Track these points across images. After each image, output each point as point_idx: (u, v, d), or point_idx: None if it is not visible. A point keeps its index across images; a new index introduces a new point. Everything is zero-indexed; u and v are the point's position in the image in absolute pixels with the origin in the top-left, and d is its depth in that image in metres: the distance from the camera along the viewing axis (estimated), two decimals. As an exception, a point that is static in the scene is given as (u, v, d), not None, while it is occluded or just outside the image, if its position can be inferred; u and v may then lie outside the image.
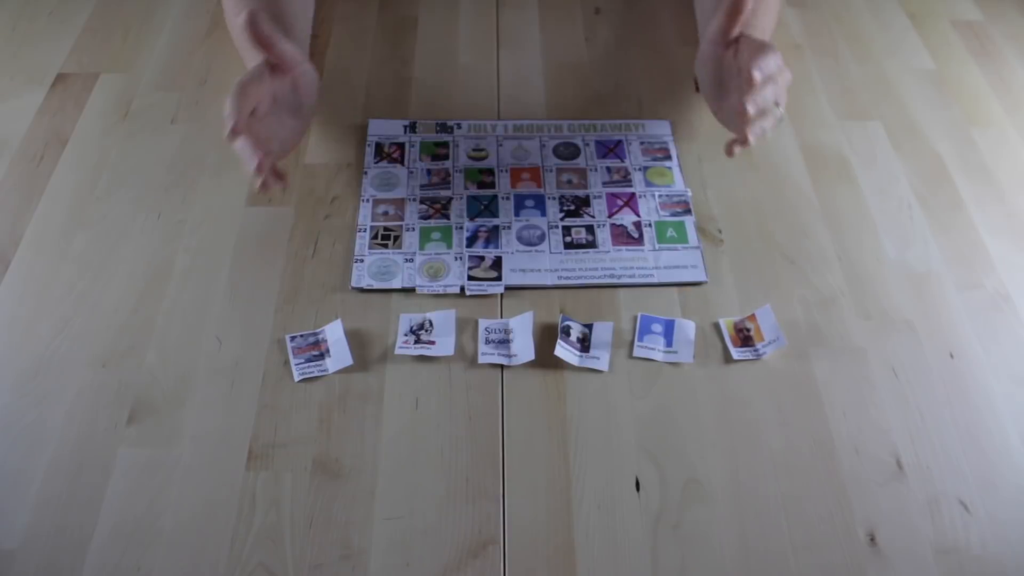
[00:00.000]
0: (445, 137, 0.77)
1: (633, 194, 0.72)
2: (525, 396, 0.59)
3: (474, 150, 0.76)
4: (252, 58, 0.67)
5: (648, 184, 0.73)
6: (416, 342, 0.61)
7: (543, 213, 0.71)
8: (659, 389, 0.60)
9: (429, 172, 0.74)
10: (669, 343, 0.62)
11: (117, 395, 0.59)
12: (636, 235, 0.69)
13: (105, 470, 0.55)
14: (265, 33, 0.60)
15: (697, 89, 0.74)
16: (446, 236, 0.69)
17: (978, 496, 0.55)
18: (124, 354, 0.61)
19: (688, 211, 0.71)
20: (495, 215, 0.70)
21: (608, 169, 0.74)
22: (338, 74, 0.83)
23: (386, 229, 0.69)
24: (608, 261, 0.67)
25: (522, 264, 0.67)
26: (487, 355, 0.61)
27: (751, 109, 0.57)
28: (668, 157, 0.75)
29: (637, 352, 0.62)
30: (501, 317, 0.64)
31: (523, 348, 0.61)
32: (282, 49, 0.61)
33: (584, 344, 0.62)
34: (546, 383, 0.60)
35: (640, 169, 0.74)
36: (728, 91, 0.65)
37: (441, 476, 0.55)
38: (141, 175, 0.73)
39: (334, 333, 0.62)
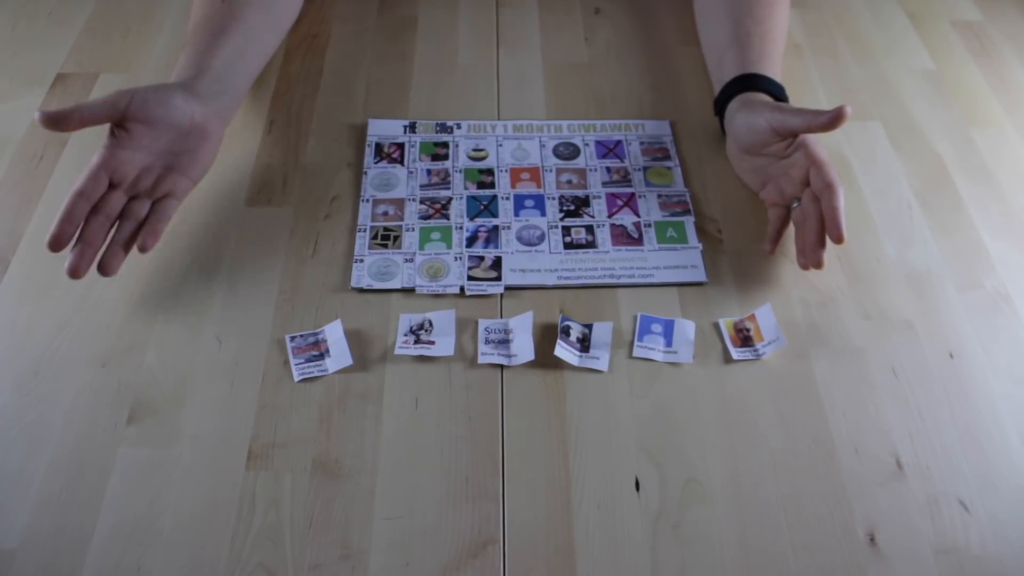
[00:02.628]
0: (445, 137, 0.77)
1: (633, 194, 0.72)
2: (525, 396, 0.59)
3: (474, 150, 0.76)
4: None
5: (648, 184, 0.73)
6: (416, 342, 0.61)
7: (543, 213, 0.71)
8: (659, 389, 0.60)
9: (429, 172, 0.74)
10: (669, 343, 0.62)
11: (117, 395, 0.59)
12: (636, 235, 0.69)
13: (105, 470, 0.55)
14: (64, 118, 0.58)
15: (723, 131, 0.75)
16: (446, 236, 0.69)
17: (978, 496, 0.55)
18: (124, 354, 0.61)
19: (688, 211, 0.71)
20: (495, 215, 0.70)
21: (608, 169, 0.74)
22: (338, 74, 0.83)
23: (386, 229, 0.69)
24: (608, 261, 0.67)
25: (522, 264, 0.67)
26: (487, 355, 0.61)
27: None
28: (668, 157, 0.75)
29: (637, 352, 0.62)
30: (501, 317, 0.64)
31: (523, 348, 0.61)
32: (89, 113, 0.59)
33: (584, 344, 0.62)
34: (546, 383, 0.60)
35: (640, 169, 0.74)
36: (758, 155, 0.69)
37: (441, 476, 0.55)
38: (141, 175, 0.73)
39: (334, 333, 0.62)
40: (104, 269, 0.60)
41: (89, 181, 0.59)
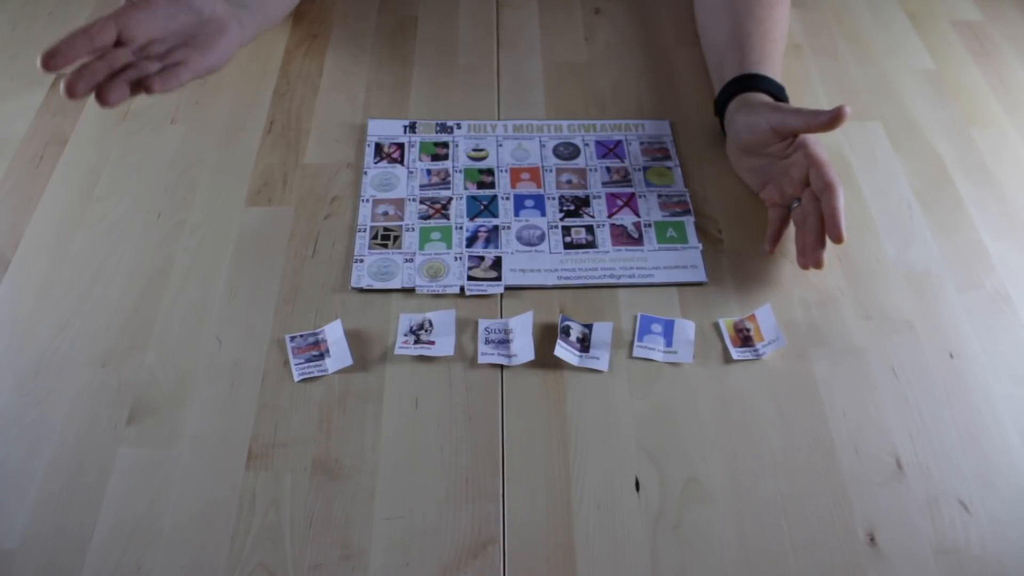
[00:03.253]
0: (445, 137, 0.77)
1: (633, 194, 0.72)
2: (525, 396, 0.59)
3: (474, 150, 0.76)
4: None
5: (648, 184, 0.73)
6: (416, 342, 0.61)
7: (543, 213, 0.71)
8: (659, 389, 0.60)
9: (429, 172, 0.74)
10: (669, 343, 0.62)
11: (117, 395, 0.59)
12: (636, 235, 0.69)
13: (105, 470, 0.55)
14: None
15: (723, 131, 0.74)
16: (446, 236, 0.69)
17: (978, 496, 0.55)
18: (124, 354, 0.61)
19: (688, 211, 0.71)
20: (495, 215, 0.70)
21: (608, 169, 0.74)
22: (338, 74, 0.83)
23: (386, 229, 0.69)
24: (608, 261, 0.67)
25: (522, 264, 0.67)
26: (487, 355, 0.61)
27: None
28: (668, 157, 0.75)
29: (637, 352, 0.62)
30: (501, 317, 0.64)
31: (523, 348, 0.61)
32: None
33: (584, 344, 0.62)
34: (546, 383, 0.60)
35: (640, 169, 0.74)
36: (758, 155, 0.69)
37: (441, 476, 0.55)
38: (141, 175, 0.73)
39: (334, 333, 0.62)
40: (103, 96, 0.53)
41: (96, 24, 0.54)
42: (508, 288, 0.65)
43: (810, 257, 0.63)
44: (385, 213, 0.70)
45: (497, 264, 0.67)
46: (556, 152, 0.76)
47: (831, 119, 0.62)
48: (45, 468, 0.55)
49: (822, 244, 0.63)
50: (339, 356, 0.60)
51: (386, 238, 0.68)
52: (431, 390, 0.59)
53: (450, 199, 0.72)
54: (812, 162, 0.64)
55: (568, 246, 0.68)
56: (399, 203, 0.71)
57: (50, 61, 0.52)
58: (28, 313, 0.63)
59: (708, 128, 0.78)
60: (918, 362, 0.62)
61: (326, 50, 0.86)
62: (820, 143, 0.66)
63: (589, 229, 0.69)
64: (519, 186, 0.73)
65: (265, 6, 0.71)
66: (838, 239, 0.61)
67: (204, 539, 0.52)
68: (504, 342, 0.62)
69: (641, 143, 0.77)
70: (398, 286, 0.65)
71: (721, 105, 0.73)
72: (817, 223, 0.63)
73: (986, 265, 0.68)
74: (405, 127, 0.78)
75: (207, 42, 0.60)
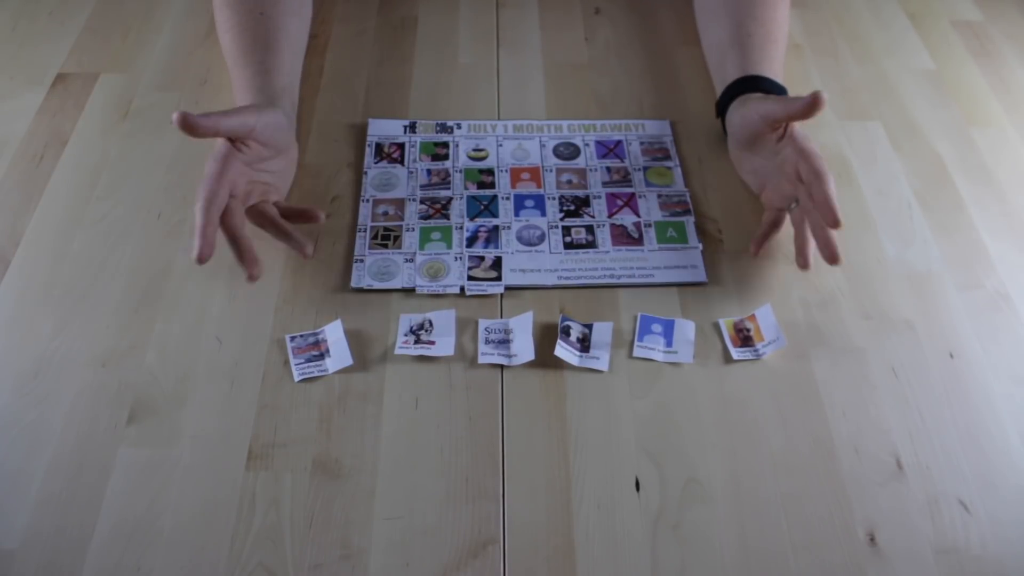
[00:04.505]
0: (445, 137, 0.77)
1: (633, 194, 0.72)
2: (525, 396, 0.59)
3: (474, 150, 0.76)
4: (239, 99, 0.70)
5: (648, 184, 0.73)
6: (416, 342, 0.61)
7: (543, 213, 0.71)
8: (659, 389, 0.60)
9: (429, 172, 0.74)
10: (669, 343, 0.62)
11: (117, 395, 0.59)
12: (636, 235, 0.69)
13: (105, 470, 0.55)
14: (200, 125, 0.58)
15: (724, 132, 0.74)
16: (446, 236, 0.69)
17: (978, 496, 0.55)
18: (124, 354, 0.61)
19: (688, 211, 0.71)
20: (495, 215, 0.70)
21: (608, 169, 0.74)
22: (338, 74, 0.83)
23: (386, 229, 0.69)
24: (608, 261, 0.67)
25: (522, 264, 0.67)
26: (487, 355, 0.61)
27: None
28: (668, 157, 0.75)
29: (637, 352, 0.62)
30: (501, 317, 0.64)
31: (523, 348, 0.61)
32: (225, 126, 0.60)
33: (584, 344, 0.62)
34: (546, 383, 0.60)
35: (640, 169, 0.74)
36: (756, 154, 0.69)
37: (441, 476, 0.55)
38: (141, 175, 0.73)
39: (334, 333, 0.62)
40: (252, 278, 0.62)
41: (213, 181, 0.60)
42: (508, 288, 0.65)
43: (825, 251, 0.62)
44: (385, 213, 0.70)
45: (497, 264, 0.67)
46: (556, 152, 0.76)
47: (807, 105, 0.61)
48: (45, 468, 0.55)
49: (830, 235, 0.62)
50: (339, 356, 0.60)
51: (386, 238, 0.68)
52: (431, 390, 0.59)
53: (450, 199, 0.72)
54: (801, 154, 0.64)
55: (568, 246, 0.68)
56: (399, 203, 0.71)
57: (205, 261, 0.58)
58: (28, 313, 0.63)
59: (708, 128, 0.78)
60: (918, 362, 0.62)
61: (326, 50, 0.86)
62: (809, 137, 0.65)
63: (589, 229, 0.70)
64: (519, 186, 0.73)
65: (296, 97, 0.75)
66: (835, 223, 0.59)
67: (204, 539, 0.52)
68: (504, 342, 0.62)
69: (641, 143, 0.77)
70: (398, 286, 0.65)
71: (722, 107, 0.73)
72: (817, 219, 0.63)
73: (986, 265, 0.68)
74: (405, 127, 0.78)
75: (283, 175, 0.69)
